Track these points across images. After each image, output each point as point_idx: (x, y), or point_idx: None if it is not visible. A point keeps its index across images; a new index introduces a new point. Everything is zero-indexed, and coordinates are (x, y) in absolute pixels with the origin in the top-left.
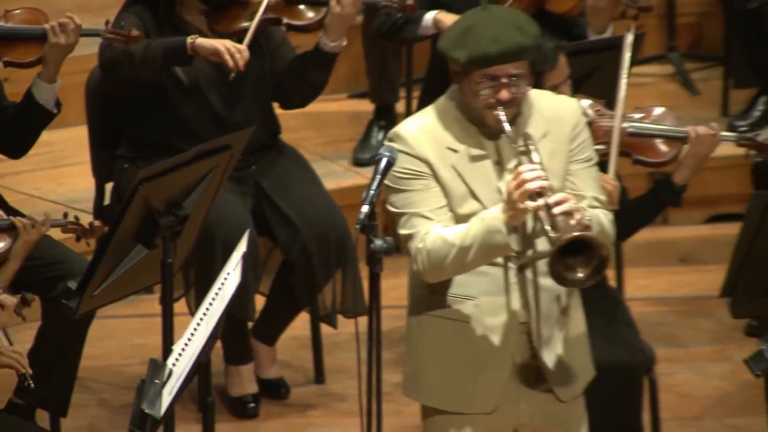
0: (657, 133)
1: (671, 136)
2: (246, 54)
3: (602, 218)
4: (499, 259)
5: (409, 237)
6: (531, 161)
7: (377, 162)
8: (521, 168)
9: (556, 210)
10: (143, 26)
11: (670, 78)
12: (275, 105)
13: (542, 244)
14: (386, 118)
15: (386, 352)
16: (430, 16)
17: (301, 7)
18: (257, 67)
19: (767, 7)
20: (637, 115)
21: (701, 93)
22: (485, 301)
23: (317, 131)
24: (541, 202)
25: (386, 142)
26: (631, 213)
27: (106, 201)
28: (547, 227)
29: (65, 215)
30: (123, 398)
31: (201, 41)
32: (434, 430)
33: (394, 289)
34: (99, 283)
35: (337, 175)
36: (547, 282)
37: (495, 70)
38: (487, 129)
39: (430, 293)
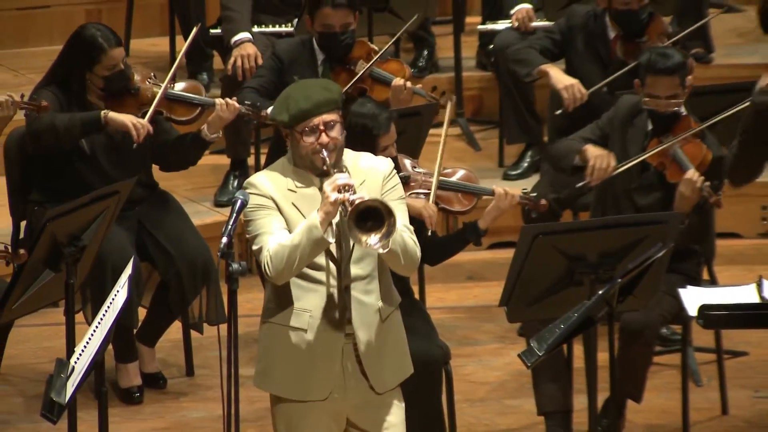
0: (462, 189)
1: (479, 193)
2: (148, 127)
3: (405, 236)
4: (330, 280)
5: (259, 251)
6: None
7: (233, 203)
8: (335, 174)
9: (355, 198)
10: (58, 101)
11: (458, 137)
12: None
13: (358, 269)
14: (240, 169)
15: (242, 352)
16: None
17: (179, 104)
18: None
19: (531, 82)
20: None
21: (482, 149)
22: (318, 314)
23: (186, 180)
24: (346, 195)
25: (242, 189)
26: (440, 246)
27: (22, 235)
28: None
29: None
30: (36, 389)
31: (113, 115)
32: (279, 414)
33: (248, 302)
34: (17, 299)
35: (202, 214)
36: (368, 299)
37: (312, 121)
38: (316, 171)
39: (277, 306)
